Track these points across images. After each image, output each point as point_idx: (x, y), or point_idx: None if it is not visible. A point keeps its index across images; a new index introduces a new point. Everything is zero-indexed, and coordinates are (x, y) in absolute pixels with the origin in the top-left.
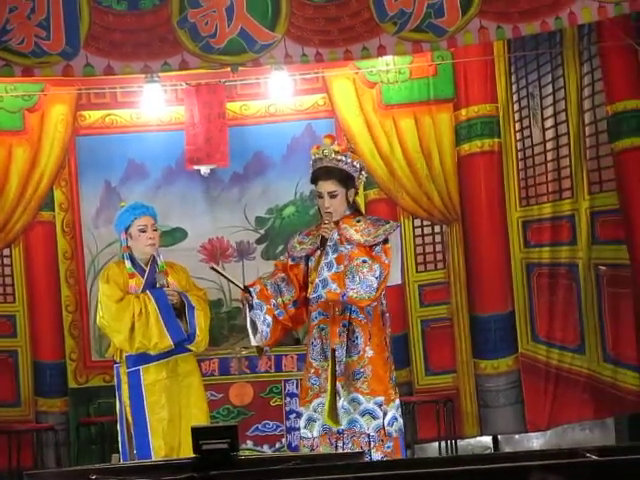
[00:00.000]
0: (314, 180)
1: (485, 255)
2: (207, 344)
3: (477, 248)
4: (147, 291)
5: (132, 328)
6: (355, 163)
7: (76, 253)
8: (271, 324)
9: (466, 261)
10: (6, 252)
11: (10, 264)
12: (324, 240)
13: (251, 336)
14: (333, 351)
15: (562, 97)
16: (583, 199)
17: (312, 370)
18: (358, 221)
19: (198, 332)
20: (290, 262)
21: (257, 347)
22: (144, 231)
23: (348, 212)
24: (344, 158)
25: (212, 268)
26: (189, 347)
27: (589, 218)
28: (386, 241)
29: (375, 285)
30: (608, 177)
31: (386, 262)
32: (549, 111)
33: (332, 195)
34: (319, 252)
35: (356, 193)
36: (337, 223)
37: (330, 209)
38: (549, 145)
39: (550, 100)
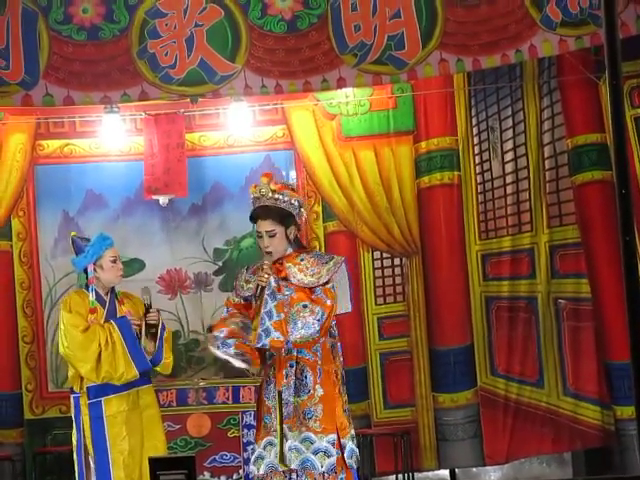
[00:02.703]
0: (254, 219)
1: (445, 288)
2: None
3: (437, 281)
4: (111, 320)
5: (99, 358)
6: (293, 201)
7: (33, 283)
8: (246, 353)
9: (426, 294)
10: None
11: None
12: (262, 288)
13: (238, 365)
14: (279, 393)
15: (522, 130)
16: (542, 233)
17: (265, 408)
18: (302, 260)
19: (165, 354)
20: (242, 301)
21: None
22: (115, 261)
23: (290, 250)
24: (281, 197)
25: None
26: (156, 369)
27: (548, 252)
28: (326, 282)
29: (317, 327)
30: (567, 211)
31: (328, 303)
32: (509, 144)
33: (270, 235)
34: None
35: (298, 229)
36: (281, 262)
37: (269, 248)
38: (509, 178)
39: (510, 133)
